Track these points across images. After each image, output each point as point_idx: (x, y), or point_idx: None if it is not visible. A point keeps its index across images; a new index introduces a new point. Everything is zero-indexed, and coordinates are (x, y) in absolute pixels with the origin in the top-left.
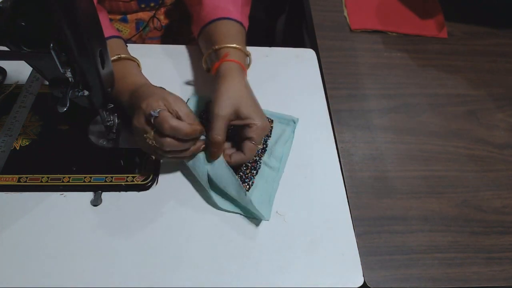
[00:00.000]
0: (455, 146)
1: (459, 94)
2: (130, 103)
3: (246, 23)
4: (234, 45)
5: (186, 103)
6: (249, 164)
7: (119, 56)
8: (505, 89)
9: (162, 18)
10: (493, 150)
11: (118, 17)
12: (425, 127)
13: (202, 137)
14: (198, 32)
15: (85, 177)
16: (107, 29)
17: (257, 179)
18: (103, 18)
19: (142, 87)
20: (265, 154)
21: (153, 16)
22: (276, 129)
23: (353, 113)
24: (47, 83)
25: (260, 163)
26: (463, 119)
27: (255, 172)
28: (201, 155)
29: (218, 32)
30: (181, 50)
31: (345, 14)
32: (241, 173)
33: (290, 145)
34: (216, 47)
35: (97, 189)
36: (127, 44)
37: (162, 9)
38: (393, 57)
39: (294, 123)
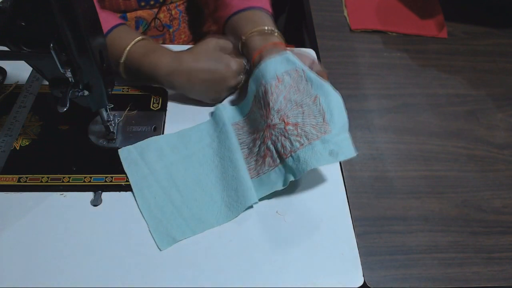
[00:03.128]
0: (455, 146)
1: (459, 94)
2: (184, 60)
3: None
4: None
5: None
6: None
7: (143, 38)
8: (505, 89)
9: (161, 17)
10: (493, 150)
11: (118, 15)
12: (425, 127)
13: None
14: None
15: (85, 177)
16: (115, 19)
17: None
18: (107, 12)
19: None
20: (292, 158)
21: (155, 17)
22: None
23: (353, 113)
24: (47, 83)
25: (277, 164)
26: (463, 119)
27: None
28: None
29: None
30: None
31: (345, 14)
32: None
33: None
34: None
35: (97, 189)
36: None
37: (162, 8)
38: (393, 57)
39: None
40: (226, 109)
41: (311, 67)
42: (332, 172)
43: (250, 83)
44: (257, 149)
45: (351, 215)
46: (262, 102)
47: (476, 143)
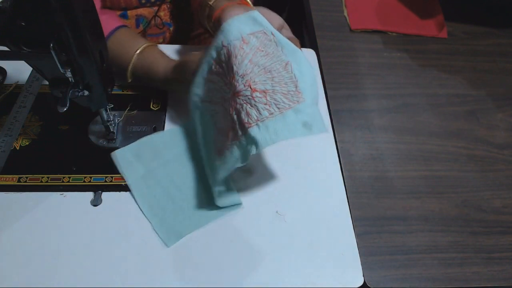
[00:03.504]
0: (455, 146)
1: (459, 94)
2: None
3: None
4: None
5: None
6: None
7: (146, 45)
8: (505, 89)
9: (162, 15)
10: (493, 150)
11: (118, 13)
12: (425, 127)
13: None
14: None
15: (85, 177)
16: (116, 20)
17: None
18: (108, 14)
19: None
20: (258, 127)
21: (155, 15)
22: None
23: (353, 113)
24: (47, 83)
25: (240, 136)
26: (463, 119)
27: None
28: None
29: None
30: (181, 50)
31: (345, 14)
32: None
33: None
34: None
35: (97, 189)
36: None
37: (163, 6)
38: (393, 57)
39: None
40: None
41: (280, 32)
42: (332, 172)
43: (211, 50)
44: (223, 124)
45: (351, 215)
46: (225, 66)
47: (476, 143)
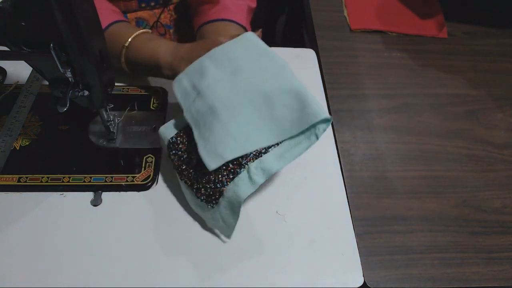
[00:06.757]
0: (455, 146)
1: (459, 94)
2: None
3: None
4: None
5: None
6: (230, 165)
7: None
8: (505, 89)
9: (162, 17)
10: (493, 150)
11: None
12: (425, 127)
13: None
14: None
15: (85, 177)
16: (114, 14)
17: (231, 187)
18: (107, 9)
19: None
20: (255, 160)
21: (157, 21)
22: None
23: (353, 113)
24: (47, 83)
25: (244, 167)
26: (463, 119)
27: (232, 176)
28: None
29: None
30: None
31: (345, 14)
32: (213, 175)
33: (290, 160)
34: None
35: (97, 189)
36: None
37: (163, 9)
38: (393, 57)
39: (317, 137)
40: None
41: None
42: (332, 172)
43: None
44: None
45: (351, 215)
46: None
47: (476, 143)
